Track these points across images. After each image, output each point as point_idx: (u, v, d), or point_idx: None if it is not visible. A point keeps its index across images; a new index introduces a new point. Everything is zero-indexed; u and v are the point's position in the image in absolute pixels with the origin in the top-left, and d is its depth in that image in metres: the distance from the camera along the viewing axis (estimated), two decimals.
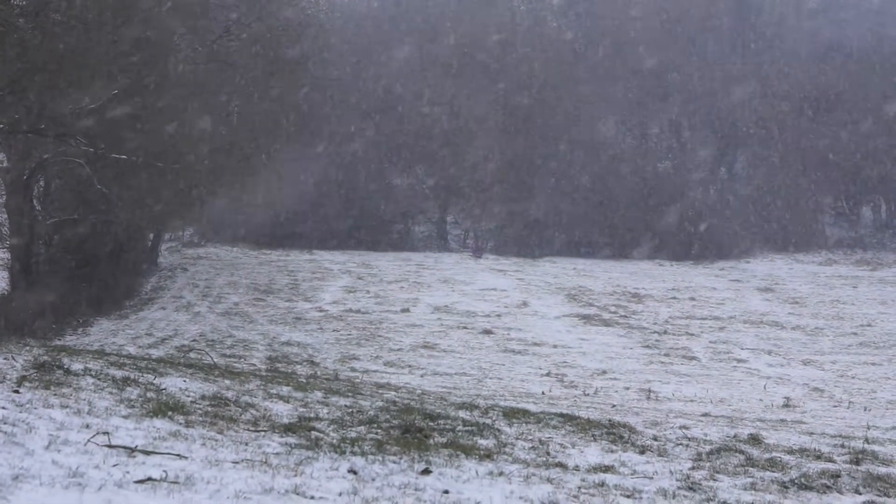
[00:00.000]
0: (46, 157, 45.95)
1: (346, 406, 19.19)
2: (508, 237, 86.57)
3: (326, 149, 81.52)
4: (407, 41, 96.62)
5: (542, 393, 31.23)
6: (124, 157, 43.48)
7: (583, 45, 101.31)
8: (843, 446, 19.17)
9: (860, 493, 14.31)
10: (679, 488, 13.59)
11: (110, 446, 11.69)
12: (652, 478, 14.40)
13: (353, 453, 13.61)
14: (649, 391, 32.60)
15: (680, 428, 20.98)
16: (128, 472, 10.32)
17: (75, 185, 50.06)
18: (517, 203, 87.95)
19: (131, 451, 11.58)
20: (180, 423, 14.15)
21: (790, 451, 18.00)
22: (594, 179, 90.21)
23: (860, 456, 17.76)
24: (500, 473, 13.33)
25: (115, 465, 10.66)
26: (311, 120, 74.14)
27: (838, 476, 15.39)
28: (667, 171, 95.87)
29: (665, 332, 50.69)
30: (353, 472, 12.17)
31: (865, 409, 30.61)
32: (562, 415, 21.46)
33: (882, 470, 16.40)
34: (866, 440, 20.43)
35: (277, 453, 12.93)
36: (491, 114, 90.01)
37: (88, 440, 11.76)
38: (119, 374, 18.18)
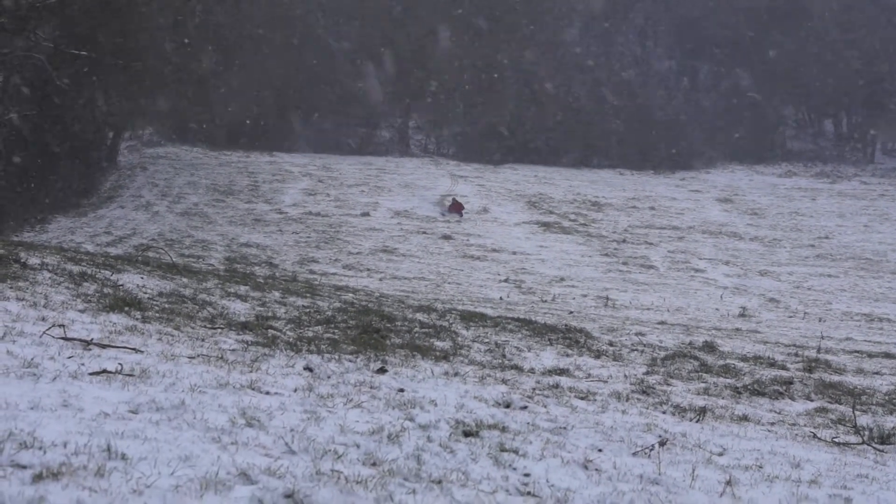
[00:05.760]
0: (6, 52, 45.37)
1: (303, 306, 19.18)
2: (470, 143, 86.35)
3: (290, 52, 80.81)
4: None
5: (500, 298, 31.32)
6: (84, 53, 43.05)
7: None
8: (796, 355, 19.36)
9: (812, 400, 14.46)
10: (633, 392, 13.69)
11: (66, 339, 11.63)
12: (606, 381, 14.50)
13: (310, 352, 13.62)
14: (607, 299, 32.74)
15: (636, 335, 21.12)
16: (83, 365, 10.28)
17: (35, 81, 49.42)
18: (480, 109, 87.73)
19: (87, 343, 11.53)
20: (137, 319, 14.09)
21: (744, 359, 18.16)
22: (557, 87, 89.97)
23: (813, 364, 17.94)
24: (456, 374, 13.38)
25: (70, 358, 10.62)
26: (275, 22, 73.48)
27: (791, 383, 15.55)
28: (630, 80, 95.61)
29: (624, 241, 50.85)
30: (308, 369, 12.18)
31: (820, 320, 30.89)
32: (519, 319, 21.55)
33: (834, 378, 16.59)
34: (820, 350, 20.62)
35: (234, 350, 12.92)
36: (456, 19, 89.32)
37: (44, 332, 11.70)
38: (76, 269, 18.07)
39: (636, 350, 18.33)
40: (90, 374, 9.92)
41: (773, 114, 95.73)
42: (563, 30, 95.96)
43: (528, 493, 7.92)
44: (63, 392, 8.93)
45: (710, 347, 19.46)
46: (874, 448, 11.38)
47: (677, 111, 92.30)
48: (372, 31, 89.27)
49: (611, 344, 18.86)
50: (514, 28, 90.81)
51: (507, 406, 11.58)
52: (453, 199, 58.08)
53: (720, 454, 10.23)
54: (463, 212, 55.84)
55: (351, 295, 25.35)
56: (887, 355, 21.04)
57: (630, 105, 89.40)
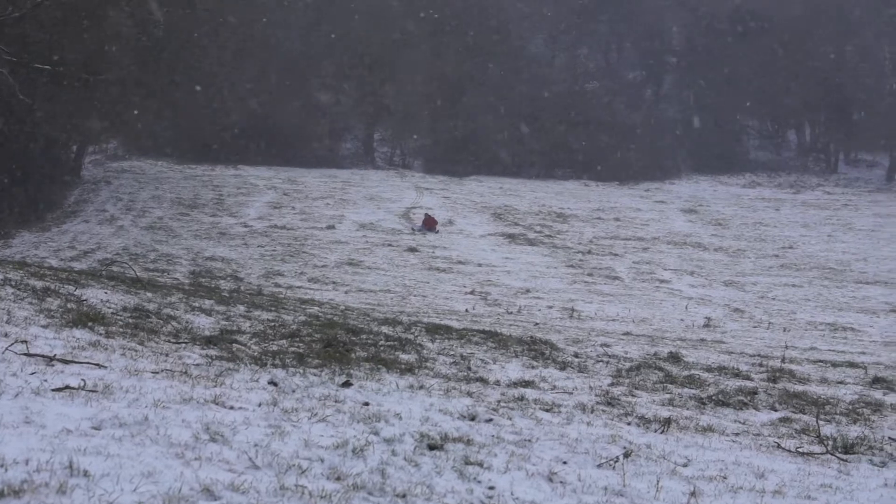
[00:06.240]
0: None
1: (268, 320, 19.15)
2: (435, 155, 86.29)
3: (254, 64, 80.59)
4: None
5: (466, 310, 31.32)
6: (48, 67, 42.85)
7: None
8: (761, 365, 19.43)
9: (776, 410, 14.52)
10: (598, 403, 13.71)
11: (28, 355, 11.57)
12: (571, 393, 14.52)
13: (275, 366, 13.60)
14: (572, 310, 32.78)
15: (601, 346, 21.15)
16: (45, 381, 10.24)
17: None
18: (444, 121, 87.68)
19: (50, 359, 11.48)
20: (100, 334, 14.03)
21: (709, 369, 18.21)
22: (522, 99, 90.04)
23: (777, 374, 18.01)
24: (421, 387, 13.38)
25: (32, 374, 10.58)
26: (240, 34, 73.24)
27: (755, 393, 15.61)
28: (595, 92, 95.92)
29: (589, 252, 50.96)
30: (273, 383, 12.15)
31: (784, 330, 31.00)
32: (484, 332, 21.56)
33: (798, 388, 16.65)
34: (784, 359, 20.70)
35: (198, 364, 12.88)
36: (420, 31, 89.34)
37: (6, 349, 11.63)
38: (39, 284, 18.01)
39: (601, 361, 18.37)
40: (53, 390, 9.88)
41: (736, 125, 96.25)
42: (528, 41, 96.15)
43: None
44: (25, 408, 8.89)
45: (674, 358, 19.51)
46: (838, 458, 11.43)
47: (642, 122, 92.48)
48: (337, 44, 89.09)
49: (576, 355, 18.88)
50: (478, 40, 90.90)
51: (472, 419, 11.60)
52: (426, 215, 57.13)
53: (685, 465, 10.27)
54: (437, 226, 55.08)
55: (316, 308, 25.32)
56: (851, 364, 21.14)
57: (595, 116, 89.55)
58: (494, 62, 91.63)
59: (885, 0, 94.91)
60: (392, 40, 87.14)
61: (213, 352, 14.18)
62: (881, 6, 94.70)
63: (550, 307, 33.93)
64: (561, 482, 8.99)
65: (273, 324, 18.59)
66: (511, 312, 31.83)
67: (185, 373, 12.03)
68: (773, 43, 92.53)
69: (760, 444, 11.96)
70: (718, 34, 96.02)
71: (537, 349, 19.00)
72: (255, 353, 14.58)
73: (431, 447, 9.72)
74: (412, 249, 47.74)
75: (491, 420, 11.63)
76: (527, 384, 14.91)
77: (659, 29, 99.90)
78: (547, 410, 12.77)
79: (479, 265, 44.95)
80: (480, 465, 9.20)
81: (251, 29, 76.39)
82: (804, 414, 14.24)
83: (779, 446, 11.88)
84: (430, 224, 54.91)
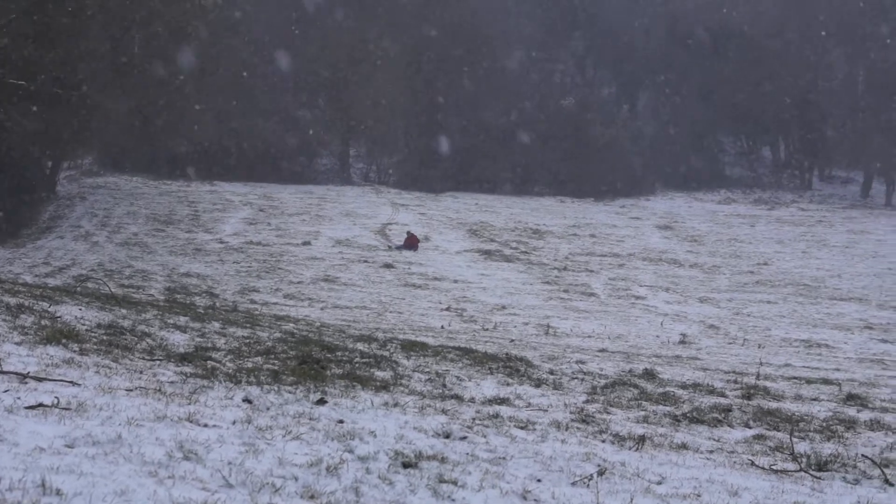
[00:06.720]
0: None
1: (243, 337, 19.10)
2: (411, 171, 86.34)
3: (229, 79, 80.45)
4: None
5: (442, 327, 31.29)
6: (23, 83, 42.78)
7: None
8: (735, 382, 19.44)
9: (750, 427, 14.54)
10: (573, 420, 13.72)
11: (2, 372, 11.52)
12: (546, 410, 14.52)
13: (249, 383, 13.56)
14: (548, 326, 32.78)
15: (576, 363, 21.15)
16: (19, 398, 10.20)
17: None
18: (420, 137, 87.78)
19: (23, 377, 11.43)
20: (74, 351, 13.99)
21: (684, 386, 18.22)
22: (498, 114, 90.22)
23: (752, 391, 18.03)
24: (396, 404, 13.37)
25: (5, 391, 10.54)
26: (214, 50, 73.16)
27: (729, 410, 15.63)
28: (570, 108, 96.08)
29: (565, 269, 51.01)
30: (247, 401, 12.13)
31: (759, 347, 31.03)
32: (460, 348, 21.54)
33: (772, 405, 16.67)
34: (758, 376, 20.74)
35: (172, 382, 12.84)
36: (395, 47, 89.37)
37: None
38: (13, 301, 17.94)
39: (576, 378, 18.37)
40: (26, 407, 9.85)
41: (711, 141, 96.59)
42: (503, 58, 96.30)
43: None
44: None
45: (650, 375, 19.52)
46: (811, 475, 11.45)
47: (617, 138, 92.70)
48: (311, 60, 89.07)
49: (551, 372, 18.88)
50: (453, 56, 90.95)
51: (447, 436, 11.59)
52: (409, 233, 56.56)
53: (659, 483, 10.28)
54: (418, 245, 54.57)
55: (292, 325, 25.27)
56: (825, 381, 21.16)
57: (570, 133, 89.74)
58: (470, 78, 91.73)
59: (858, 18, 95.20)
60: (367, 56, 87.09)
61: (187, 369, 14.14)
62: (854, 24, 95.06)
63: (526, 324, 33.93)
64: (535, 500, 9.00)
65: (248, 341, 18.55)
66: (487, 329, 31.82)
67: (160, 390, 12.00)
68: (748, 60, 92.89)
69: (734, 462, 11.97)
70: (693, 51, 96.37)
71: (512, 366, 19.00)
72: (230, 371, 14.53)
73: (406, 465, 9.71)
74: (388, 266, 47.73)
75: (465, 438, 11.62)
76: (502, 401, 14.91)
77: (634, 45, 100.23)
78: (522, 428, 12.77)
79: (455, 281, 44.95)
80: (455, 483, 9.20)
81: (225, 45, 76.32)
82: (778, 431, 14.26)
83: (753, 464, 11.90)
84: (412, 242, 54.60)
